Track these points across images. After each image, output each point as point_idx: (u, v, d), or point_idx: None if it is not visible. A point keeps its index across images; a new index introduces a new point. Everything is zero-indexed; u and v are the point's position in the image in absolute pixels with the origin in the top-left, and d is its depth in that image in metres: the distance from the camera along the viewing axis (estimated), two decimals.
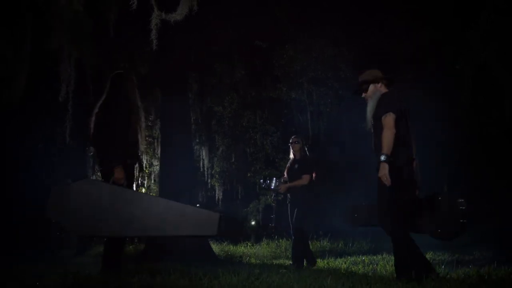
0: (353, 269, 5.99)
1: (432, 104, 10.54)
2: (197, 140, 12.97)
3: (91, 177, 10.99)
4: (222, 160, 13.79)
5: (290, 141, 6.44)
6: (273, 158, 13.38)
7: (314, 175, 6.26)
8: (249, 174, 13.51)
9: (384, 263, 6.56)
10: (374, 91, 4.13)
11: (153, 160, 12.41)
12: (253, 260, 8.43)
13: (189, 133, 8.95)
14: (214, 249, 9.12)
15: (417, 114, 11.52)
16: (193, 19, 6.03)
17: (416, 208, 4.06)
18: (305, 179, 6.12)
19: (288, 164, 6.52)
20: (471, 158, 12.00)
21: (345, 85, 11.27)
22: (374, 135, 4.08)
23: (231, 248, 11.40)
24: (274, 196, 6.66)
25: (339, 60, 10.79)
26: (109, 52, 8.49)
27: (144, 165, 12.32)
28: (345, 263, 7.00)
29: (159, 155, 10.02)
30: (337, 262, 7.12)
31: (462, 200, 4.04)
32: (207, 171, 13.66)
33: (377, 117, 3.99)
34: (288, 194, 6.36)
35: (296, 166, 6.28)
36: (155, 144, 11.91)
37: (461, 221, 3.98)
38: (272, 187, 6.40)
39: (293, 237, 6.35)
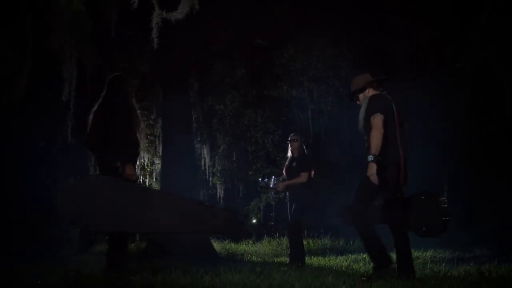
0: (354, 267, 6.01)
1: (432, 104, 10.55)
2: (199, 139, 12.99)
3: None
4: (223, 159, 13.81)
5: (289, 139, 6.41)
6: (274, 157, 13.41)
7: (312, 173, 6.26)
8: (250, 173, 13.54)
9: None
10: (363, 97, 4.29)
11: (154, 158, 12.43)
12: (254, 258, 8.45)
13: (190, 131, 8.97)
14: (215, 247, 9.15)
15: (417, 114, 11.59)
16: (193, 18, 6.04)
17: (402, 206, 4.13)
18: (303, 177, 6.10)
19: (286, 163, 6.52)
20: (471, 158, 12.01)
21: (345, 83, 11.28)
22: (366, 136, 4.16)
23: (232, 246, 11.43)
24: (273, 194, 6.67)
25: (340, 59, 10.81)
26: (110, 52, 8.50)
27: (145, 164, 12.34)
28: (346, 261, 7.02)
29: (160, 153, 10.04)
30: (338, 260, 7.14)
31: (444, 199, 4.19)
32: (209, 170, 13.69)
33: (367, 119, 4.10)
34: (287, 192, 6.38)
35: (294, 164, 6.28)
36: (157, 142, 11.93)
37: (444, 219, 4.11)
38: (271, 186, 6.41)
39: (289, 235, 6.37)
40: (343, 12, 9.91)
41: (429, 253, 7.86)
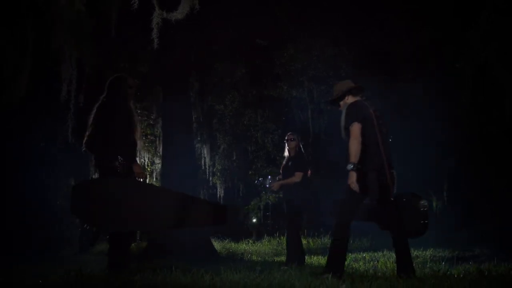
0: (354, 266, 6.02)
1: (432, 104, 10.56)
2: (199, 139, 13.01)
3: (93, 176, 11.02)
4: (223, 158, 13.83)
5: (286, 138, 6.37)
6: (274, 156, 13.42)
7: (309, 172, 6.24)
8: (250, 172, 13.56)
9: (384, 260, 6.58)
10: (344, 104, 4.41)
11: (155, 158, 12.45)
12: (254, 258, 8.45)
13: (191, 131, 8.97)
14: (215, 247, 9.15)
15: (417, 114, 11.58)
16: (193, 18, 6.05)
17: (384, 209, 4.24)
18: (297, 177, 6.05)
19: (283, 162, 6.51)
20: (471, 158, 12.02)
21: None
22: (346, 145, 4.28)
23: (232, 245, 11.44)
24: (268, 193, 6.69)
25: (340, 59, 10.82)
26: (110, 52, 8.51)
27: (145, 164, 12.36)
28: (345, 260, 7.02)
29: (161, 153, 10.05)
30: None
31: (424, 202, 4.27)
32: (209, 169, 13.71)
33: (346, 127, 4.22)
34: (283, 192, 6.40)
35: (290, 163, 6.28)
36: (157, 142, 11.95)
37: (422, 221, 4.21)
38: (267, 185, 6.42)
39: (286, 235, 6.38)
40: (343, 12, 9.92)
41: (428, 252, 7.87)
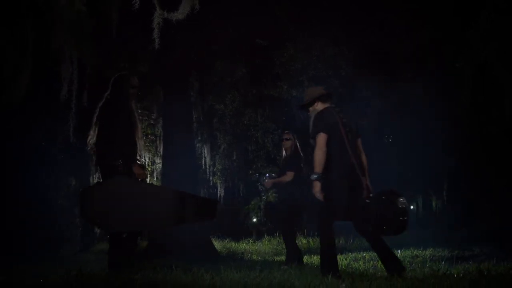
0: (353, 265, 6.04)
1: (432, 104, 10.57)
2: (199, 138, 13.03)
3: (93, 175, 11.05)
4: (223, 158, 13.84)
5: (282, 137, 6.38)
6: (274, 156, 13.43)
7: (305, 171, 6.26)
8: (250, 172, 13.57)
9: None
10: (313, 110, 4.56)
11: (155, 158, 12.47)
12: (254, 257, 8.48)
13: (191, 131, 8.99)
14: (216, 246, 9.17)
15: (417, 114, 11.58)
16: (193, 18, 6.05)
17: (360, 212, 4.35)
18: (288, 176, 6.04)
19: (282, 161, 6.57)
20: (471, 158, 12.03)
21: (345, 83, 11.29)
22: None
23: (232, 245, 11.46)
24: (263, 191, 6.73)
25: (339, 59, 10.81)
26: (110, 52, 8.51)
27: (146, 163, 12.38)
28: (345, 259, 7.05)
29: (161, 153, 10.09)
30: (338, 259, 7.15)
31: (403, 199, 4.32)
32: (209, 169, 13.72)
33: (312, 137, 4.37)
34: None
35: (285, 162, 6.32)
36: (157, 142, 11.97)
37: (401, 218, 4.25)
38: (262, 183, 6.48)
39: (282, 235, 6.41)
40: (343, 12, 9.91)
41: (428, 252, 7.88)
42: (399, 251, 8.03)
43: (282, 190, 6.24)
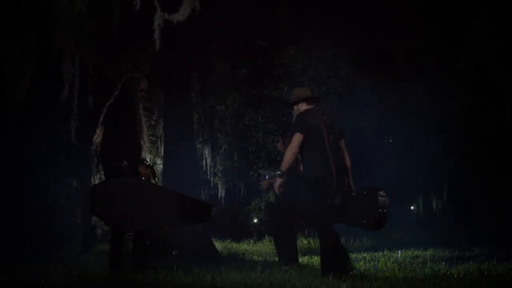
0: (354, 266, 6.04)
1: (432, 104, 10.58)
2: (200, 139, 13.04)
3: (95, 176, 11.07)
4: (224, 159, 13.85)
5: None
6: (274, 157, 13.42)
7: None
8: (251, 172, 13.57)
9: (385, 259, 6.61)
10: (297, 109, 4.64)
11: (156, 159, 12.48)
12: (255, 257, 8.48)
13: (192, 132, 9.00)
14: (216, 247, 9.18)
15: (417, 114, 11.59)
16: (194, 19, 6.07)
17: (338, 209, 4.50)
18: (275, 180, 6.12)
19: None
20: (471, 158, 12.03)
21: (346, 84, 11.30)
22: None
23: (233, 245, 11.47)
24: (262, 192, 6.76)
25: (340, 59, 10.83)
26: (111, 52, 8.53)
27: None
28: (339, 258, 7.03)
29: (162, 154, 10.09)
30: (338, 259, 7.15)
31: (382, 192, 4.42)
32: (210, 170, 13.75)
33: (290, 135, 4.50)
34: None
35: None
36: (158, 143, 11.97)
37: (380, 210, 4.35)
38: (260, 183, 6.54)
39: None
40: (343, 12, 9.93)
41: (428, 252, 7.89)
42: (399, 251, 8.05)
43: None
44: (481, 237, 9.77)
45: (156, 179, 5.05)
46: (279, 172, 4.35)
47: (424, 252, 7.95)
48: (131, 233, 4.90)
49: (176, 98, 8.28)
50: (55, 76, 7.07)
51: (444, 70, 10.22)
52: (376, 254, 7.91)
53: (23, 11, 6.12)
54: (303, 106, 4.60)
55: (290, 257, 5.59)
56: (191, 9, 5.65)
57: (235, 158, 13.91)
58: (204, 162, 13.46)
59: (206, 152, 13.41)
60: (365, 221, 4.47)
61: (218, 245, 10.57)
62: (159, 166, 12.37)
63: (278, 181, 4.36)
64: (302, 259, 6.94)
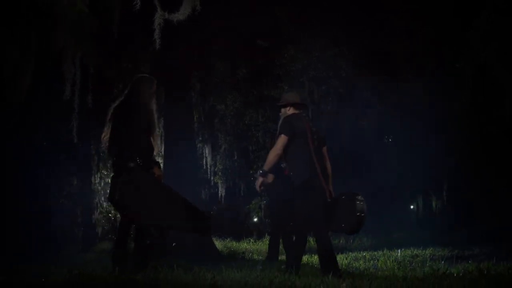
0: (354, 265, 6.07)
1: (432, 104, 10.59)
2: (200, 138, 13.06)
3: (95, 175, 11.09)
4: (224, 158, 13.88)
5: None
6: None
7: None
8: (251, 172, 13.60)
9: (385, 259, 6.63)
10: (284, 112, 4.80)
11: (156, 158, 12.50)
12: (255, 256, 8.50)
13: (192, 131, 9.01)
14: (217, 246, 9.19)
15: (417, 114, 11.59)
16: (194, 18, 6.07)
17: (322, 211, 4.54)
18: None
19: None
20: (471, 158, 12.04)
21: (346, 84, 11.31)
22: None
23: (233, 244, 11.47)
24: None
25: (340, 59, 10.84)
26: (112, 52, 8.53)
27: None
28: (346, 259, 7.07)
29: (162, 153, 10.10)
30: (338, 258, 7.16)
31: (360, 197, 4.54)
32: (210, 169, 13.78)
33: (276, 137, 4.64)
34: None
35: None
36: (159, 142, 11.99)
37: (358, 214, 4.47)
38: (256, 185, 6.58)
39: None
40: (343, 12, 9.94)
41: (428, 252, 7.90)
42: (399, 250, 8.06)
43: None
44: (481, 237, 9.78)
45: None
46: (261, 171, 4.54)
47: (424, 251, 7.96)
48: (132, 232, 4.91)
49: (176, 98, 8.29)
50: (55, 76, 7.07)
51: (444, 70, 10.23)
52: (375, 253, 7.92)
53: (23, 11, 6.12)
54: (290, 110, 4.76)
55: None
56: (192, 8, 5.65)
57: (235, 158, 13.94)
58: (204, 161, 13.49)
59: (206, 151, 13.43)
60: (343, 225, 4.59)
61: (218, 244, 10.58)
62: (160, 165, 12.41)
63: (260, 179, 4.54)
64: (302, 258, 6.94)
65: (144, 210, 4.38)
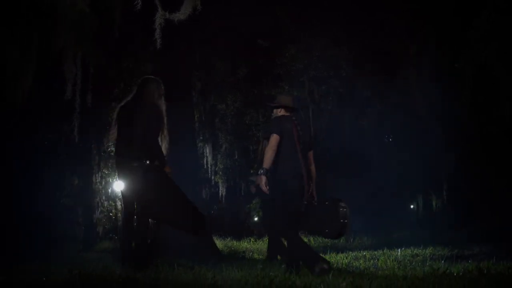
0: (354, 264, 6.07)
1: (432, 104, 10.59)
2: (201, 138, 13.07)
3: (96, 175, 11.10)
4: (225, 157, 13.91)
5: None
6: None
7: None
8: (252, 171, 13.62)
9: (385, 258, 6.63)
10: (275, 113, 5.02)
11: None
12: (256, 256, 8.50)
13: (193, 131, 9.02)
14: (217, 245, 9.20)
15: (417, 114, 11.59)
16: (195, 18, 6.08)
17: (302, 212, 4.71)
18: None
19: None
20: (471, 158, 12.05)
21: (346, 83, 11.32)
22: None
23: (234, 243, 11.48)
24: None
25: (340, 59, 10.85)
26: (113, 52, 8.54)
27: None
28: (346, 258, 7.08)
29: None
30: (338, 257, 7.20)
31: (343, 203, 4.68)
32: (211, 168, 13.81)
33: (266, 137, 4.83)
34: None
35: None
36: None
37: (342, 221, 4.60)
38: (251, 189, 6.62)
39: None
40: (344, 12, 9.95)
41: (428, 251, 7.90)
42: (399, 250, 8.06)
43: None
44: (481, 237, 9.77)
45: None
46: (261, 170, 4.63)
47: (424, 250, 7.96)
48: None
49: (177, 97, 8.27)
50: (56, 76, 7.08)
51: (444, 70, 10.23)
52: (376, 252, 7.93)
53: (24, 11, 6.13)
54: (281, 112, 4.96)
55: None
56: (193, 8, 5.67)
57: (236, 157, 13.96)
58: (205, 161, 13.51)
59: (207, 151, 13.45)
60: (326, 231, 4.72)
61: (219, 243, 10.59)
62: None
63: (264, 179, 4.61)
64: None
65: (155, 204, 4.58)
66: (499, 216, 11.00)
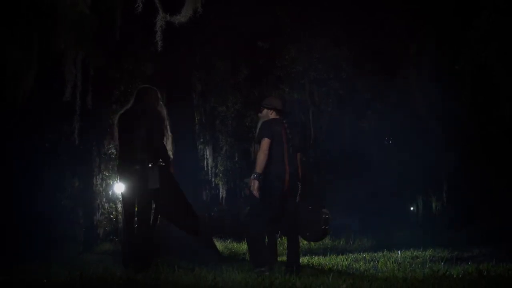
0: (354, 266, 6.08)
1: (432, 104, 10.59)
2: (201, 140, 13.05)
3: (97, 176, 11.10)
4: (225, 159, 13.90)
5: None
6: None
7: None
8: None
9: (385, 260, 6.64)
10: (264, 115, 5.03)
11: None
12: None
13: (193, 132, 9.02)
14: (217, 247, 9.20)
15: (417, 114, 11.59)
16: (195, 19, 6.08)
17: (279, 215, 4.84)
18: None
19: None
20: (471, 158, 12.06)
21: (346, 85, 11.32)
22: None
23: (234, 245, 11.48)
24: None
25: (340, 59, 10.84)
26: (113, 53, 8.53)
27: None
28: (346, 260, 7.09)
29: None
30: (338, 259, 7.21)
31: (325, 210, 4.84)
32: (211, 170, 13.80)
33: (257, 140, 4.85)
34: None
35: None
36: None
37: (323, 227, 4.78)
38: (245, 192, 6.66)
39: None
40: (344, 12, 9.93)
41: (428, 253, 7.91)
42: (399, 251, 8.07)
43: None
44: (481, 238, 9.79)
45: None
46: (255, 175, 4.66)
47: (424, 252, 7.97)
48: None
49: (177, 99, 8.30)
50: (56, 76, 7.08)
51: (444, 70, 10.24)
52: (375, 254, 7.94)
53: (24, 11, 6.13)
54: (272, 115, 4.98)
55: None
56: (193, 10, 5.67)
57: (236, 159, 13.95)
58: (205, 163, 13.49)
59: (207, 153, 13.45)
60: (308, 234, 4.88)
61: (219, 245, 10.59)
62: None
63: (256, 183, 4.65)
64: (303, 259, 6.98)
65: (160, 202, 4.73)
66: (499, 216, 11.02)
